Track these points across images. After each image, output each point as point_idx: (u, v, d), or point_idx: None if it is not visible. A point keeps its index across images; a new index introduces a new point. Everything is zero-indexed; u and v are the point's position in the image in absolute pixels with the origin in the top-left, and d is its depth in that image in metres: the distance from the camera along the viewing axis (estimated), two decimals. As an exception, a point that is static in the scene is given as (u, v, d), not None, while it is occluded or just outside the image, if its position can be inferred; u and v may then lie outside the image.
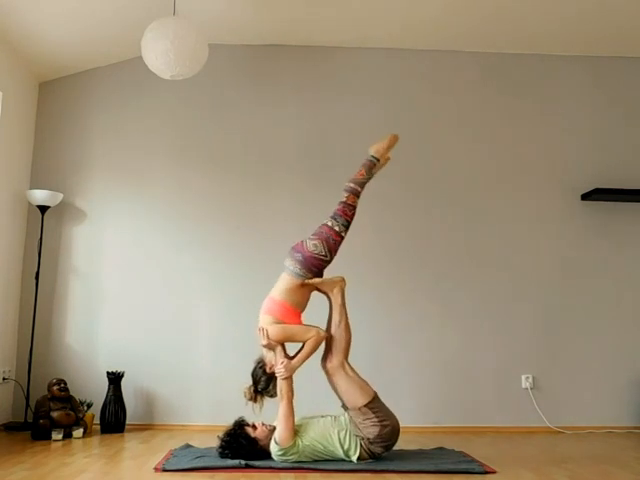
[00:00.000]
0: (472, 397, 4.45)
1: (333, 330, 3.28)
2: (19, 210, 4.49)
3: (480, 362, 4.50)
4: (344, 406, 3.22)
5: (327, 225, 3.35)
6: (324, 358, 3.26)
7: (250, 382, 3.27)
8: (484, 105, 4.85)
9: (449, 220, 4.68)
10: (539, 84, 4.89)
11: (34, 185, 4.59)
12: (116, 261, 4.54)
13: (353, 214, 3.42)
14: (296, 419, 3.19)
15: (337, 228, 3.34)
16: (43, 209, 4.39)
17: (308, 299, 3.35)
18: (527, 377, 4.49)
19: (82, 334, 4.46)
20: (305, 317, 3.34)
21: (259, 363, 3.28)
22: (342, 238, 3.35)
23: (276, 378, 3.19)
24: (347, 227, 3.38)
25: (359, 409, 3.12)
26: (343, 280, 3.40)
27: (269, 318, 3.24)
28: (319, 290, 3.36)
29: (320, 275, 3.35)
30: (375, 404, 3.15)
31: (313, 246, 3.28)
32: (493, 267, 4.63)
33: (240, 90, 4.78)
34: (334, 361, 3.20)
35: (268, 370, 3.21)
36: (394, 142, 3.64)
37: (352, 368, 3.23)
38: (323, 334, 3.21)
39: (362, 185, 3.49)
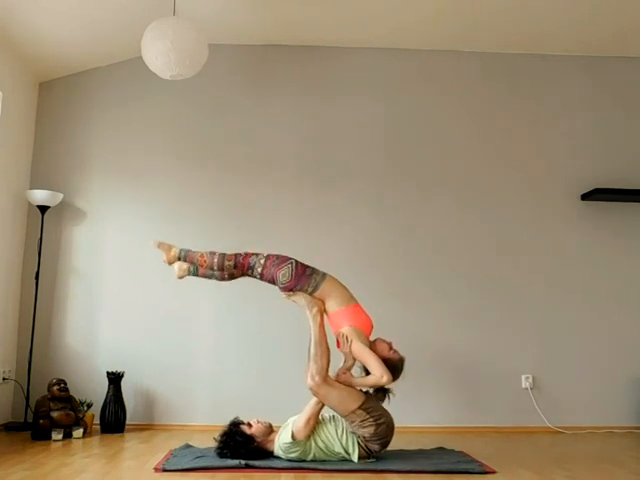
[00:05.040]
0: (472, 397, 4.45)
1: (312, 348, 3.23)
2: (19, 210, 4.49)
3: (480, 362, 4.50)
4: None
5: (271, 255, 3.37)
6: (307, 377, 3.18)
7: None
8: (484, 105, 4.84)
9: (447, 220, 4.68)
10: (539, 84, 4.89)
11: (34, 185, 4.59)
12: (116, 261, 4.55)
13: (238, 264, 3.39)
14: (291, 419, 3.24)
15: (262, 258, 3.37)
16: (43, 209, 4.39)
17: (338, 287, 3.36)
18: (527, 377, 4.49)
19: (82, 334, 4.46)
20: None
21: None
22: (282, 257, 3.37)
23: (386, 391, 3.26)
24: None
25: (354, 412, 3.11)
26: (324, 302, 3.35)
27: (349, 328, 3.24)
28: (295, 302, 3.39)
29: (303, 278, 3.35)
30: (369, 404, 3.14)
31: (282, 275, 3.31)
32: (492, 267, 4.63)
33: (240, 90, 4.78)
34: (317, 378, 3.14)
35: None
36: None
37: (333, 380, 3.21)
38: (386, 379, 3.13)
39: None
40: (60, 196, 4.43)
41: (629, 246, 4.71)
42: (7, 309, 4.31)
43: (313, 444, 3.14)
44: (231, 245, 4.54)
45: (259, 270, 3.35)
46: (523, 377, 4.50)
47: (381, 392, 3.27)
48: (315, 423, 3.17)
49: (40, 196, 4.33)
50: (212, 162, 4.68)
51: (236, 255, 3.39)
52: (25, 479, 2.79)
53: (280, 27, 4.61)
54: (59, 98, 4.74)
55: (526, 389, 4.48)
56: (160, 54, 3.73)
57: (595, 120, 4.86)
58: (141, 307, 4.48)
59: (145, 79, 4.66)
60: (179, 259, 3.49)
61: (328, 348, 3.26)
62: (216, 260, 3.38)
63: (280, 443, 3.15)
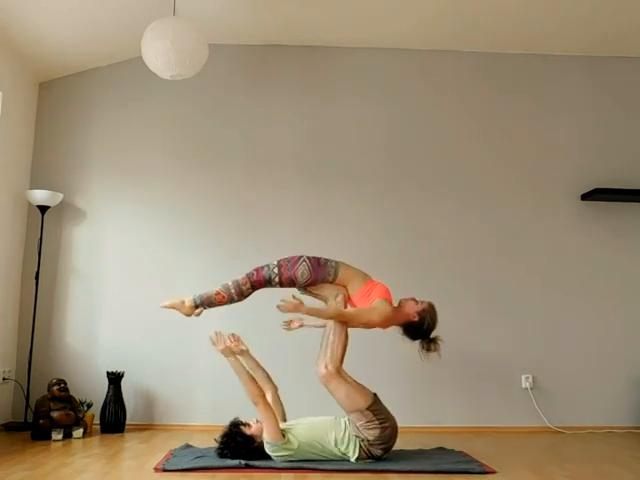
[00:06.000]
0: (472, 397, 4.45)
1: (331, 336, 3.20)
2: (19, 210, 4.49)
3: (480, 362, 4.50)
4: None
5: (281, 261, 3.33)
6: (319, 365, 3.16)
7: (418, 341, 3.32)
8: (484, 105, 4.84)
9: (447, 220, 4.68)
10: (539, 84, 4.89)
11: (34, 185, 4.59)
12: (116, 261, 4.55)
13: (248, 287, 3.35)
14: (293, 421, 3.24)
15: (275, 267, 3.32)
16: (43, 209, 4.39)
17: (352, 269, 3.36)
18: (527, 377, 4.49)
19: (82, 334, 4.46)
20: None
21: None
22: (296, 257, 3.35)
23: (434, 340, 3.27)
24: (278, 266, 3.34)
25: (361, 412, 3.10)
26: (346, 288, 3.36)
27: (376, 302, 3.23)
28: (317, 296, 3.37)
29: (319, 268, 3.34)
30: (376, 406, 3.13)
31: (301, 275, 3.30)
32: (492, 267, 4.63)
33: (240, 90, 4.78)
34: (330, 367, 3.12)
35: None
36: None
37: (347, 374, 3.20)
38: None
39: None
40: (60, 196, 4.43)
41: (629, 246, 4.71)
42: (7, 309, 4.31)
43: (304, 440, 3.10)
44: (231, 244, 4.57)
45: (277, 280, 3.31)
46: (523, 377, 4.50)
47: (432, 342, 3.29)
48: (274, 420, 3.08)
49: (40, 196, 4.33)
50: (212, 162, 4.68)
51: (248, 276, 3.32)
52: (25, 479, 2.78)
53: (280, 27, 4.61)
54: (59, 98, 4.74)
55: (526, 389, 4.48)
56: (160, 54, 3.73)
57: (595, 120, 4.86)
58: (141, 307, 4.48)
59: (145, 79, 4.66)
60: (196, 307, 3.40)
61: (347, 338, 3.22)
62: (233, 291, 3.32)
63: (269, 452, 3.12)
